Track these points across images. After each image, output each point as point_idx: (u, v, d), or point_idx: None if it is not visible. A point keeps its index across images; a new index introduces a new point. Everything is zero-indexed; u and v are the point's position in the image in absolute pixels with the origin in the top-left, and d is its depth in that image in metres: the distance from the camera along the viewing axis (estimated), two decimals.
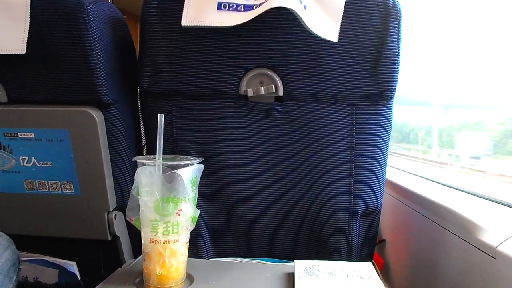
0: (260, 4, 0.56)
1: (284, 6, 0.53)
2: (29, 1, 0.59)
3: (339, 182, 0.66)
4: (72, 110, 0.63)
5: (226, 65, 0.63)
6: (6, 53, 0.59)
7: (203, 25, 0.58)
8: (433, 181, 0.87)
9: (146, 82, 0.65)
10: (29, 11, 0.59)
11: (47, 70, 0.62)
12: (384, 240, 0.92)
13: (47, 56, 0.60)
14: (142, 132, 0.75)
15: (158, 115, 0.53)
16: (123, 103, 0.67)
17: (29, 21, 0.59)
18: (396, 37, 0.61)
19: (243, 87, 0.64)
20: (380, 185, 0.68)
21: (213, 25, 0.58)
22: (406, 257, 0.83)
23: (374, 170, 0.67)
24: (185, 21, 0.59)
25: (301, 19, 0.54)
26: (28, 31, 0.59)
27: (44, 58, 0.61)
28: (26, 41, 0.58)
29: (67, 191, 0.67)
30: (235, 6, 0.58)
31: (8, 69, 0.63)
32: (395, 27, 0.60)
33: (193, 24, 0.59)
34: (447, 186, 0.81)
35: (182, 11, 0.60)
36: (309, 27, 0.55)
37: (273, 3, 0.53)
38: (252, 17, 0.56)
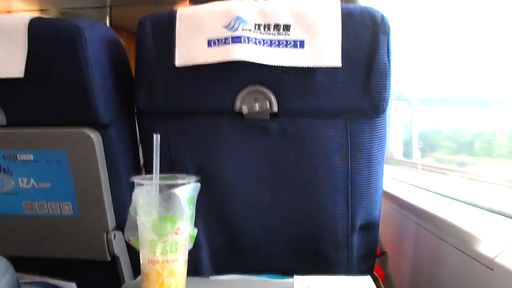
0: (248, 38, 0.60)
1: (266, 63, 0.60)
2: (27, 26, 0.60)
3: (336, 196, 0.66)
4: (70, 131, 0.64)
5: (221, 83, 0.64)
6: (4, 77, 0.60)
7: (195, 63, 0.61)
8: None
9: (142, 102, 0.66)
10: (27, 36, 0.60)
11: (45, 92, 0.63)
12: (385, 252, 0.92)
13: (45, 79, 0.62)
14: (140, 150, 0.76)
15: (154, 135, 0.54)
16: (120, 123, 0.68)
17: (27, 46, 0.60)
18: (386, 51, 0.62)
19: (238, 104, 0.65)
20: (377, 198, 0.69)
21: (205, 62, 0.61)
22: (406, 268, 0.83)
23: (371, 183, 0.67)
24: (179, 62, 0.62)
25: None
26: (26, 56, 0.60)
27: (42, 81, 0.62)
28: (24, 65, 0.60)
29: (66, 212, 0.67)
30: (223, 40, 0.60)
31: (7, 92, 0.64)
32: (385, 41, 0.62)
33: (186, 64, 0.62)
34: (446, 196, 0.81)
35: (175, 31, 0.62)
36: (309, 64, 0.60)
37: (262, 59, 0.59)
38: (240, 55, 0.59)
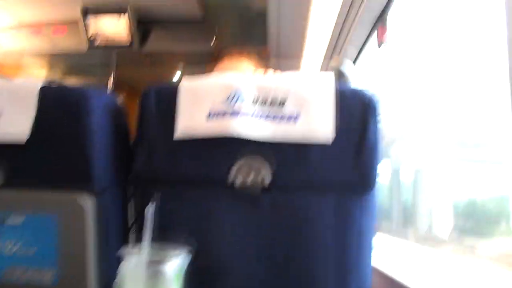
0: (246, 113, 0.62)
1: (258, 139, 0.62)
2: (38, 93, 0.62)
3: (327, 273, 0.65)
4: (63, 196, 0.63)
5: (217, 154, 0.65)
6: (10, 142, 0.61)
7: (195, 136, 0.63)
8: None
9: (139, 169, 0.66)
10: (36, 102, 0.62)
11: (45, 157, 0.63)
12: None
13: (47, 144, 0.63)
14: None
15: (147, 207, 0.53)
16: (115, 189, 0.68)
17: (35, 112, 0.61)
18: (375, 129, 0.64)
19: (232, 176, 0.65)
20: (367, 275, 0.67)
21: (203, 135, 0.63)
22: None
23: (361, 260, 0.66)
24: (179, 133, 0.64)
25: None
26: (33, 121, 0.61)
27: (44, 146, 0.63)
28: (29, 130, 0.61)
29: (47, 279, 0.64)
30: (222, 114, 0.62)
31: (9, 154, 0.64)
32: (374, 120, 0.64)
33: (186, 136, 0.63)
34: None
35: (177, 103, 0.64)
36: (302, 139, 0.62)
37: (256, 133, 0.62)
38: (237, 130, 0.61)
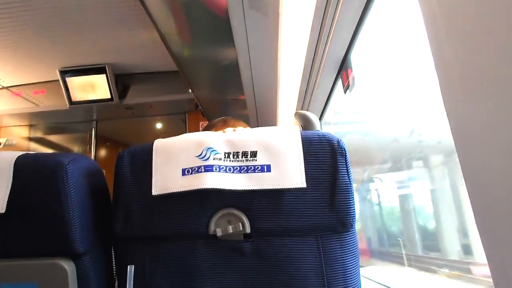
0: (219, 166, 0.65)
1: (235, 188, 0.65)
2: (13, 163, 0.64)
3: None
4: (43, 263, 0.63)
5: (195, 208, 0.67)
6: None
7: (171, 192, 0.65)
8: None
9: (118, 229, 0.68)
10: (12, 173, 0.63)
11: (23, 226, 0.64)
12: None
13: (24, 213, 0.63)
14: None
15: (128, 266, 0.54)
16: (96, 251, 0.68)
17: (11, 183, 0.63)
18: (345, 171, 0.67)
19: (212, 227, 0.67)
20: None
21: (179, 190, 0.65)
22: None
23: None
24: (155, 191, 0.66)
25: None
26: (9, 192, 0.63)
27: (21, 215, 0.63)
28: (6, 202, 0.62)
29: None
30: (196, 169, 0.65)
31: None
32: (343, 162, 0.67)
33: (162, 193, 0.66)
34: None
35: (151, 163, 0.67)
36: (276, 186, 0.65)
37: (230, 184, 0.65)
38: (212, 183, 0.64)
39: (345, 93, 1.41)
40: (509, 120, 0.45)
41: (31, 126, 3.74)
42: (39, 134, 3.82)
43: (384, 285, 1.06)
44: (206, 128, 1.30)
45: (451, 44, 0.54)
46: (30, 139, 3.74)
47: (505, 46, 0.45)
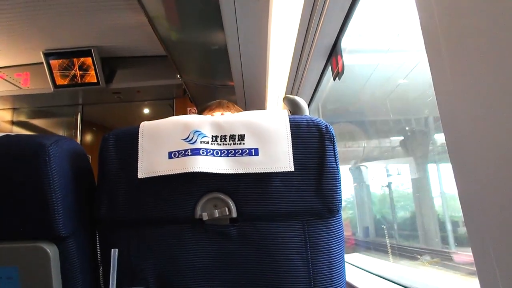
0: (206, 150, 0.64)
1: (224, 172, 0.64)
2: None
3: None
4: (24, 246, 0.62)
5: (181, 192, 0.66)
6: None
7: (157, 175, 0.64)
8: None
9: (103, 212, 0.66)
10: None
11: (5, 207, 0.62)
12: None
13: (6, 195, 0.62)
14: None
15: (112, 250, 0.54)
16: (79, 235, 0.67)
17: None
18: (333, 156, 0.67)
19: (198, 211, 0.66)
20: None
21: (166, 173, 0.64)
22: None
23: (333, 282, 0.67)
24: (141, 174, 0.65)
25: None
26: None
27: (3, 197, 0.62)
28: None
29: None
30: (183, 152, 0.64)
31: None
32: (331, 147, 0.67)
33: (148, 176, 0.65)
34: None
35: (137, 145, 0.66)
36: (264, 170, 0.64)
37: (218, 168, 0.64)
38: (199, 166, 0.63)
39: (334, 80, 1.41)
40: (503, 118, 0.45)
41: (14, 109, 3.66)
42: (22, 118, 3.74)
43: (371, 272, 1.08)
44: (200, 111, 1.31)
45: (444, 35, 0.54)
46: (14, 122, 3.67)
47: (496, 40, 0.45)
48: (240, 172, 0.65)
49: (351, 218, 2.28)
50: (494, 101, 0.46)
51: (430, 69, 0.60)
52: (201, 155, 0.64)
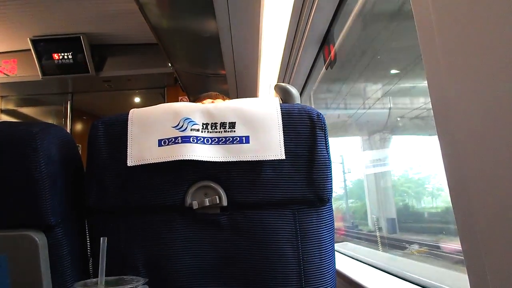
0: (196, 137, 0.64)
1: (213, 160, 0.64)
2: None
3: (289, 284, 0.66)
4: (12, 234, 0.61)
5: (171, 180, 0.66)
6: None
7: (147, 163, 0.64)
8: None
9: (92, 200, 0.66)
10: None
11: None
12: None
13: None
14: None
15: (101, 238, 0.53)
16: (68, 223, 0.67)
17: None
18: (324, 145, 0.67)
19: (188, 199, 0.66)
20: (331, 283, 0.69)
21: (155, 161, 0.64)
22: None
23: (323, 270, 0.68)
24: (130, 162, 0.64)
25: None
26: None
27: None
28: None
29: None
30: (173, 140, 0.64)
31: None
32: (322, 136, 0.67)
33: (137, 164, 0.64)
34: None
35: (127, 133, 0.65)
36: (255, 158, 0.64)
37: (207, 155, 0.64)
38: (189, 154, 0.63)
39: (326, 69, 1.40)
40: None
41: (2, 97, 3.60)
42: (11, 106, 3.68)
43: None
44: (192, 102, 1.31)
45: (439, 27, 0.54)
46: (2, 111, 3.60)
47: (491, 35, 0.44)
48: (231, 160, 0.64)
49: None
50: (489, 97, 0.46)
51: (425, 68, 0.59)
52: (191, 143, 0.64)
